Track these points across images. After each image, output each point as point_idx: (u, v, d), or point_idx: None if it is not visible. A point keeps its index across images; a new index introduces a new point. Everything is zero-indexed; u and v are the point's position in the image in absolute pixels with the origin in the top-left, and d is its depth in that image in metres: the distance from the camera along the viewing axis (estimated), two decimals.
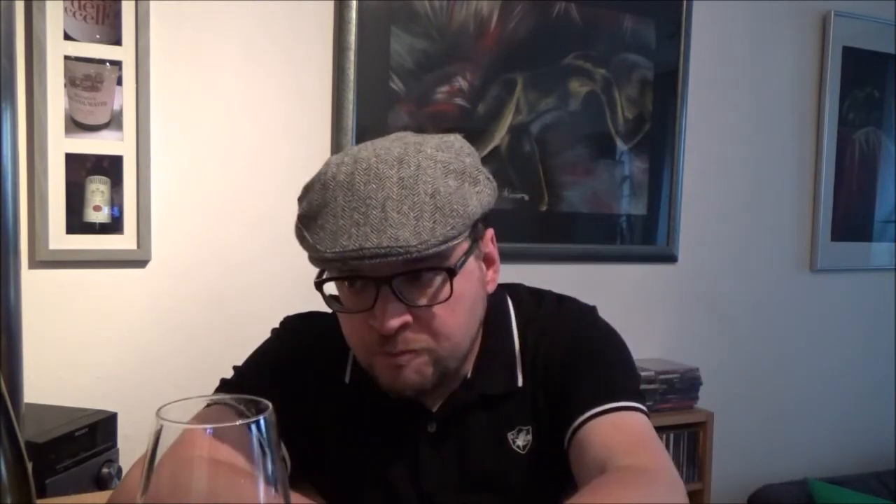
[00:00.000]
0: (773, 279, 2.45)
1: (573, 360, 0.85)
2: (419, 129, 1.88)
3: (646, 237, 2.23)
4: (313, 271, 0.80)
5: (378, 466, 0.86)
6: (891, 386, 2.67)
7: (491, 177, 0.81)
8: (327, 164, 0.79)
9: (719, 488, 2.26)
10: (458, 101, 1.93)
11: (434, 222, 0.72)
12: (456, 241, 0.74)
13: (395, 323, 0.74)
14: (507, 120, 1.99)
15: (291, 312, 0.96)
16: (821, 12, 2.43)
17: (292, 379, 0.88)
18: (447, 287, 0.76)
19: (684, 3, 2.19)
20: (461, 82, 1.92)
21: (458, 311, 0.78)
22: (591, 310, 0.92)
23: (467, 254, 0.78)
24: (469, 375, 0.87)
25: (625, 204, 2.19)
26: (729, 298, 2.38)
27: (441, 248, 0.72)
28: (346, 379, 0.88)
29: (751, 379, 2.41)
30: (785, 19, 2.38)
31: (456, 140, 0.82)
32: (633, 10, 2.13)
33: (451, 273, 0.76)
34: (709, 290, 2.34)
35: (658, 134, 2.21)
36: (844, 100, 2.48)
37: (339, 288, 0.80)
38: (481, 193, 0.77)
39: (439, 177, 0.75)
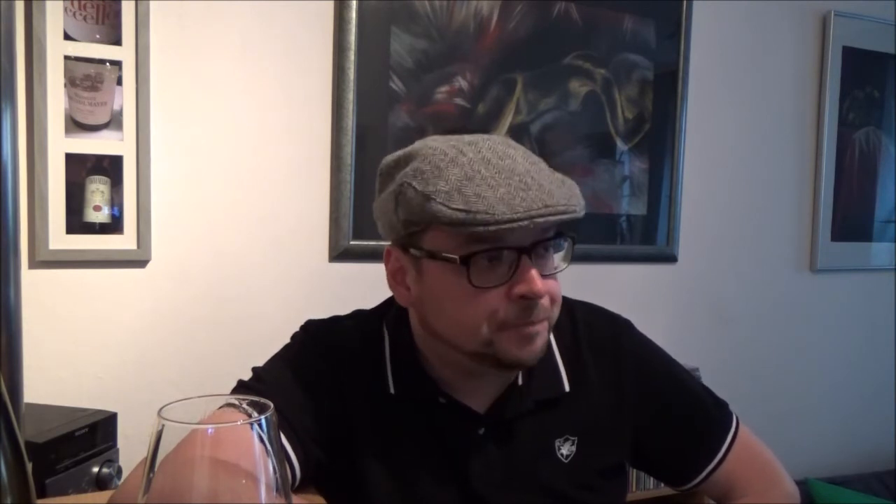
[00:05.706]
0: (774, 279, 2.45)
1: (660, 404, 0.92)
2: (419, 129, 1.88)
3: (646, 237, 2.23)
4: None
5: (424, 471, 0.86)
6: (891, 386, 2.66)
7: None
8: (436, 150, 0.79)
9: None
10: (458, 101, 1.93)
11: (569, 192, 0.78)
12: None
13: (544, 286, 0.77)
14: (508, 120, 1.99)
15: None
16: (821, 12, 2.43)
17: (324, 387, 0.86)
18: (566, 256, 0.82)
19: (684, 3, 2.19)
20: (461, 82, 1.92)
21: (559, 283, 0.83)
22: (628, 324, 0.97)
23: None
24: (521, 381, 0.88)
25: (625, 204, 2.18)
26: (729, 298, 2.37)
27: (581, 213, 0.78)
28: (391, 390, 0.87)
29: (751, 379, 2.41)
30: (785, 19, 2.38)
31: None
32: (633, 10, 2.13)
33: (574, 240, 0.82)
34: (709, 290, 2.34)
35: (658, 134, 2.20)
36: (844, 100, 2.48)
37: (470, 267, 0.77)
38: None
39: (542, 161, 0.81)
